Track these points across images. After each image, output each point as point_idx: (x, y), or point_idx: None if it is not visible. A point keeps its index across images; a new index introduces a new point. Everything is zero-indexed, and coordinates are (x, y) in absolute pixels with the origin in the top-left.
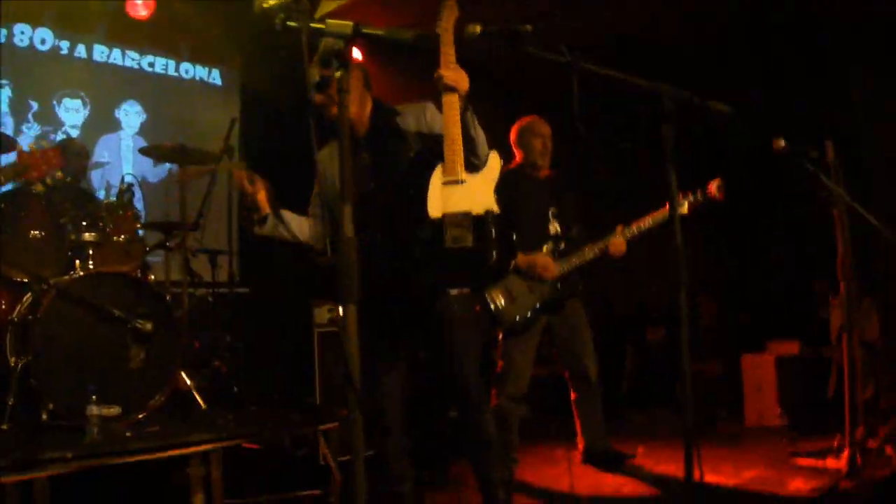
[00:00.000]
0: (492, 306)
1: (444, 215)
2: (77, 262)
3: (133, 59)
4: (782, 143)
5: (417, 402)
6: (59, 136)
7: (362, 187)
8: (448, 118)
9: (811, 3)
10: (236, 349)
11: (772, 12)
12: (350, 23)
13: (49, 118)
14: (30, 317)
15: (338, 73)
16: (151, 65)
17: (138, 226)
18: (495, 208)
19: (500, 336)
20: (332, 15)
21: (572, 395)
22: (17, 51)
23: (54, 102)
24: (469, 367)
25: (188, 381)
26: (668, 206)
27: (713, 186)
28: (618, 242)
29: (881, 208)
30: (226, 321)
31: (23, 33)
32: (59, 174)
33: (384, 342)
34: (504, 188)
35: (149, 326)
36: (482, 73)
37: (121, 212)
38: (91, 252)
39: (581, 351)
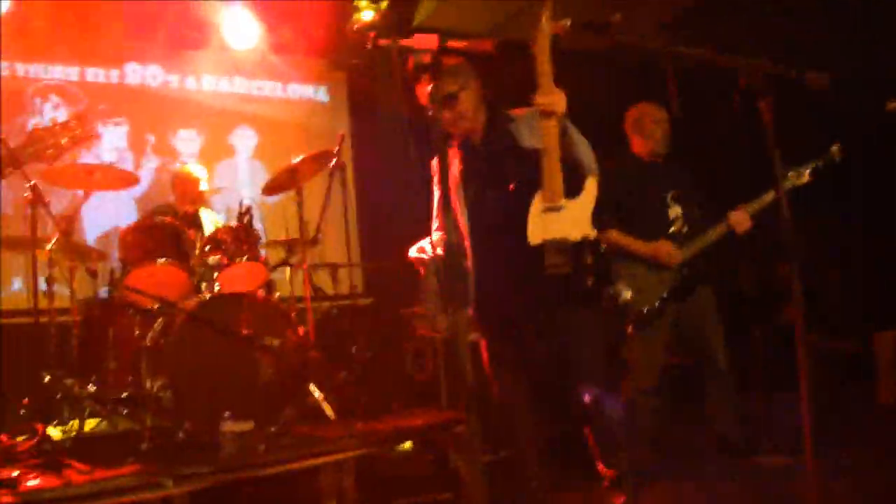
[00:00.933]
0: (619, 299)
1: (543, 242)
2: (203, 285)
3: (242, 86)
4: (894, 104)
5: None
6: (178, 166)
7: (477, 198)
8: (546, 143)
9: None
10: (362, 359)
11: None
12: (435, 36)
13: (166, 149)
14: (162, 341)
15: (429, 88)
16: (260, 88)
17: (260, 246)
18: (592, 234)
19: (630, 329)
20: (432, 18)
21: (705, 384)
22: (130, 88)
23: (169, 134)
24: (593, 361)
25: (317, 393)
26: (788, 178)
27: (833, 150)
28: (741, 218)
29: None
30: (350, 332)
31: (134, 71)
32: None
33: (508, 350)
34: (622, 177)
35: (276, 342)
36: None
37: (242, 234)
38: (216, 275)
39: (711, 338)
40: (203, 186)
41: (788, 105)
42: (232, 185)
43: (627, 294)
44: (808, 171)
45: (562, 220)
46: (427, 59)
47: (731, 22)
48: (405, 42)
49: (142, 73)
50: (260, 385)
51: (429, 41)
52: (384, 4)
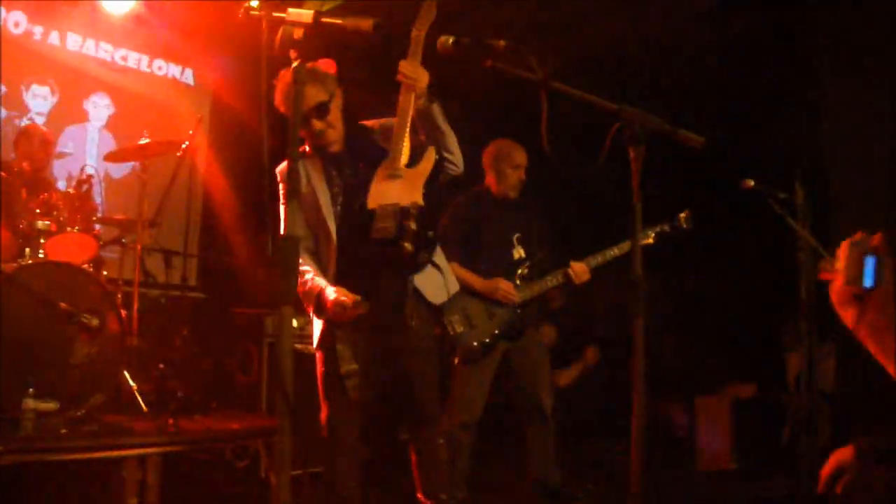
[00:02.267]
0: (449, 330)
1: (377, 207)
2: (27, 250)
3: (106, 52)
4: (751, 182)
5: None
6: (24, 122)
7: (348, 204)
8: (399, 113)
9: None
10: (184, 353)
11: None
12: (310, 11)
13: (16, 103)
14: None
15: (294, 63)
16: (124, 58)
17: (94, 219)
18: (420, 201)
19: (456, 361)
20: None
21: (525, 427)
22: None
23: (22, 87)
24: (428, 389)
25: (131, 382)
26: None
27: (682, 217)
28: (579, 270)
29: None
30: (176, 324)
31: None
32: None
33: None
34: (469, 209)
35: (95, 322)
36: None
37: (77, 203)
38: (43, 241)
39: (538, 382)
40: (52, 151)
41: (656, 161)
42: (79, 152)
43: (459, 326)
44: (653, 233)
45: (396, 187)
46: (299, 33)
47: (614, 75)
48: (277, 14)
49: (3, 17)
50: (71, 364)
51: (303, 15)
52: None
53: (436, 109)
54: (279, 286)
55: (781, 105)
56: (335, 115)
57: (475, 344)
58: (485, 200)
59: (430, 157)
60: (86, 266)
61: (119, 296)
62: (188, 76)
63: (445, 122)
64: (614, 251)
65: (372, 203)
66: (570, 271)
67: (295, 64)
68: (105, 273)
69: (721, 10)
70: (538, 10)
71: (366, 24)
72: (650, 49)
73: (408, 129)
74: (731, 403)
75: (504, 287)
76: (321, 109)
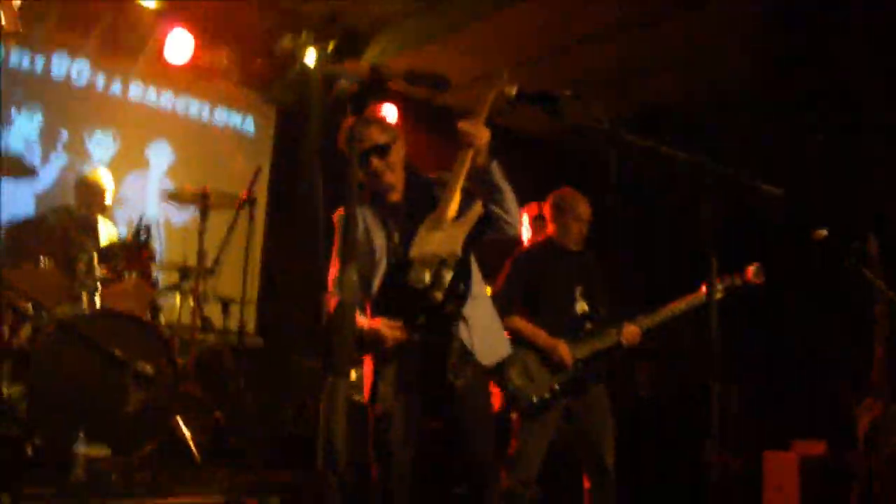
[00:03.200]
0: (508, 384)
1: (415, 256)
2: (84, 296)
3: (168, 100)
4: (824, 233)
5: (423, 474)
6: (86, 168)
7: (397, 256)
8: (454, 170)
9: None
10: (240, 402)
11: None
12: (366, 65)
13: (78, 150)
14: (28, 347)
15: (351, 118)
16: (186, 107)
17: (152, 266)
18: (458, 252)
19: (514, 416)
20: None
21: (586, 484)
22: (52, 80)
23: (85, 134)
24: (485, 443)
25: (185, 430)
26: (703, 290)
27: (751, 271)
28: (632, 331)
29: None
30: (233, 371)
31: (60, 62)
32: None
33: (398, 420)
34: (532, 262)
35: (149, 370)
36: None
37: (135, 251)
38: (100, 288)
39: (600, 440)
40: (108, 200)
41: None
42: (139, 198)
43: (517, 380)
44: (722, 288)
45: (440, 238)
46: (354, 87)
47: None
48: (333, 68)
49: (68, 66)
50: (125, 412)
51: (359, 69)
52: (330, 47)
53: (494, 168)
54: (333, 356)
55: (853, 155)
56: (395, 158)
57: (534, 399)
58: (548, 252)
59: (476, 210)
60: (142, 313)
61: (176, 341)
62: (249, 125)
63: (503, 180)
64: (667, 312)
65: (414, 252)
66: (621, 336)
67: (351, 118)
68: (162, 319)
69: (791, 62)
70: (607, 59)
71: (423, 74)
72: (720, 98)
73: (460, 184)
74: (799, 460)
75: (562, 350)
76: (382, 150)
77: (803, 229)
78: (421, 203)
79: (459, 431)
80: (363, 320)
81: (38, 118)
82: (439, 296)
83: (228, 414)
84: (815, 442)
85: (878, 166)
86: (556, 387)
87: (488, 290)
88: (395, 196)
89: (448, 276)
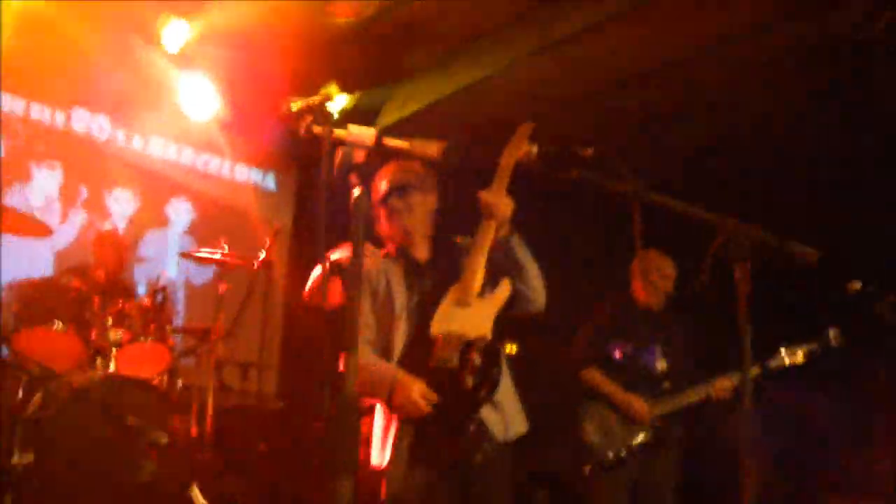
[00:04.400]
0: (584, 438)
1: (439, 335)
2: (99, 360)
3: (188, 156)
4: (858, 285)
5: None
6: (106, 226)
7: (421, 316)
8: (477, 242)
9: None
10: (260, 468)
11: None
12: (373, 131)
13: (98, 207)
14: (40, 415)
15: (356, 190)
16: (206, 163)
17: (169, 329)
18: (488, 335)
19: (587, 472)
20: (392, 127)
21: None
22: (73, 135)
23: (104, 191)
24: None
25: (202, 500)
26: (781, 353)
27: (832, 334)
28: (725, 386)
29: None
30: (253, 437)
31: (81, 118)
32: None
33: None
34: (614, 318)
35: (164, 439)
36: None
37: (152, 313)
38: (115, 351)
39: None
40: (126, 258)
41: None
42: (159, 257)
43: (593, 436)
44: (802, 353)
45: (466, 316)
46: (360, 156)
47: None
48: (338, 133)
49: (88, 122)
50: (138, 483)
51: (365, 136)
52: (351, 102)
53: (515, 242)
54: (335, 454)
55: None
56: (417, 201)
57: (610, 455)
58: (630, 308)
59: (505, 289)
60: (158, 377)
61: (194, 406)
62: (270, 182)
63: (526, 254)
64: (756, 370)
65: (436, 328)
66: (712, 390)
67: (356, 191)
68: (180, 383)
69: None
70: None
71: (433, 149)
72: (752, 145)
73: (484, 256)
74: None
75: (637, 407)
76: (402, 189)
77: (836, 282)
78: (447, 267)
79: None
80: (391, 369)
81: (58, 174)
82: (470, 380)
83: (247, 481)
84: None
85: None
86: (632, 443)
87: (512, 349)
88: (421, 254)
89: (477, 359)
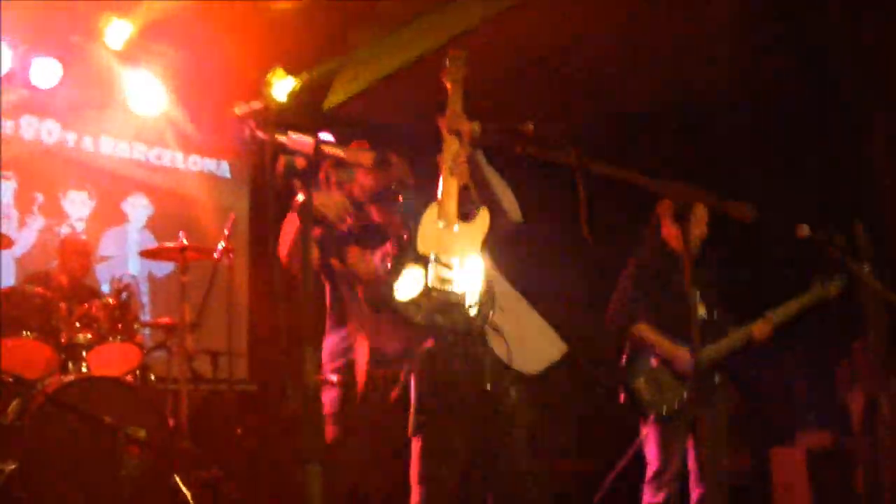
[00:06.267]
0: (637, 397)
1: (428, 253)
2: (70, 364)
3: (140, 152)
4: (806, 230)
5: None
6: (65, 229)
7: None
8: (444, 165)
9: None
10: (239, 452)
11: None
12: (311, 140)
13: (54, 211)
14: (17, 423)
15: (299, 196)
16: (159, 157)
17: (137, 325)
18: (480, 258)
19: (647, 430)
20: (342, 105)
21: (694, 494)
22: (23, 143)
23: (60, 194)
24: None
25: (185, 490)
26: (813, 288)
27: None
28: (764, 328)
29: None
30: (230, 422)
31: (30, 125)
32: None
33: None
34: (651, 267)
35: (142, 434)
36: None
37: (118, 312)
38: (85, 354)
39: (717, 451)
40: (89, 261)
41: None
42: (120, 254)
43: (647, 393)
44: (835, 287)
45: (454, 239)
46: (301, 162)
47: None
48: (280, 139)
49: (37, 128)
50: (121, 478)
51: (304, 143)
52: (297, 85)
53: (479, 157)
54: (304, 443)
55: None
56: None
57: (664, 411)
58: (665, 258)
59: (484, 216)
60: (130, 374)
61: (168, 399)
62: (224, 169)
63: (491, 169)
64: (794, 307)
65: (422, 247)
66: (753, 332)
67: (300, 197)
68: (152, 377)
69: (765, 61)
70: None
71: (366, 158)
72: (693, 103)
73: (455, 178)
74: (806, 454)
75: (682, 360)
76: (381, 161)
77: (787, 227)
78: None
79: (503, 451)
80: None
81: (11, 183)
82: (476, 307)
83: (227, 466)
84: (820, 433)
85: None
86: (685, 395)
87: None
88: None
89: (472, 281)
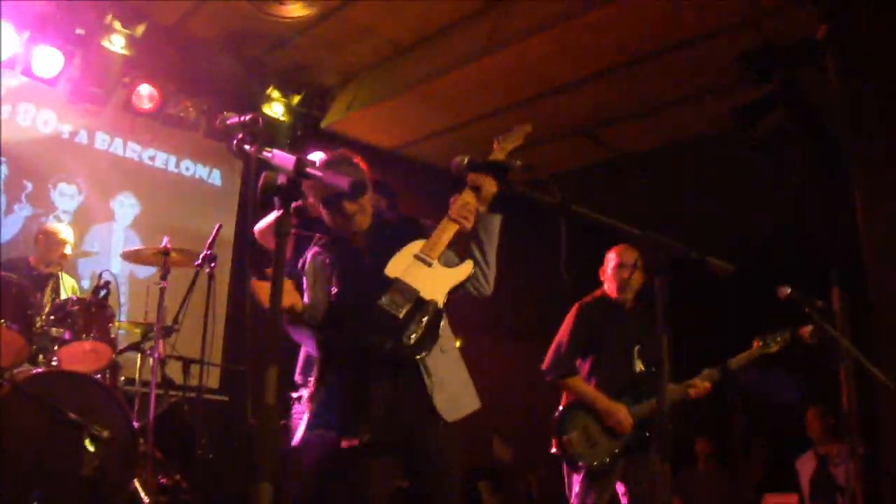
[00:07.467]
0: (568, 450)
1: (395, 279)
2: (41, 356)
3: (134, 151)
4: (787, 290)
5: None
6: (51, 220)
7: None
8: (454, 207)
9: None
10: (203, 461)
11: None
12: (293, 158)
13: (42, 201)
14: None
15: (278, 212)
16: (152, 158)
17: (111, 325)
18: (441, 304)
19: (576, 478)
20: (341, 123)
21: None
22: (18, 129)
23: (49, 185)
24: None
25: (143, 495)
26: (755, 346)
27: (806, 331)
28: (702, 386)
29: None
30: (196, 430)
31: (26, 112)
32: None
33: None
34: (590, 319)
35: (105, 433)
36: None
37: (94, 309)
38: (57, 348)
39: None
40: (68, 251)
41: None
42: (104, 251)
43: (577, 445)
44: (775, 344)
45: (425, 275)
46: (282, 180)
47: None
48: (264, 155)
49: (34, 116)
50: (81, 475)
51: (286, 162)
52: (296, 100)
53: (496, 220)
54: (258, 461)
55: (816, 211)
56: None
57: (595, 464)
58: (605, 310)
59: (467, 268)
60: (100, 373)
61: (136, 401)
62: (215, 177)
63: (495, 235)
64: (734, 362)
65: (391, 270)
66: (691, 389)
67: (278, 213)
68: (122, 378)
69: (749, 118)
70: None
71: (343, 182)
72: (680, 156)
73: (456, 225)
74: None
75: (620, 417)
76: (357, 188)
77: (767, 288)
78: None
79: (422, 492)
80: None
81: (2, 168)
82: (412, 337)
83: (190, 474)
84: (787, 496)
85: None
86: (617, 450)
87: (457, 343)
88: (361, 241)
89: (424, 321)
